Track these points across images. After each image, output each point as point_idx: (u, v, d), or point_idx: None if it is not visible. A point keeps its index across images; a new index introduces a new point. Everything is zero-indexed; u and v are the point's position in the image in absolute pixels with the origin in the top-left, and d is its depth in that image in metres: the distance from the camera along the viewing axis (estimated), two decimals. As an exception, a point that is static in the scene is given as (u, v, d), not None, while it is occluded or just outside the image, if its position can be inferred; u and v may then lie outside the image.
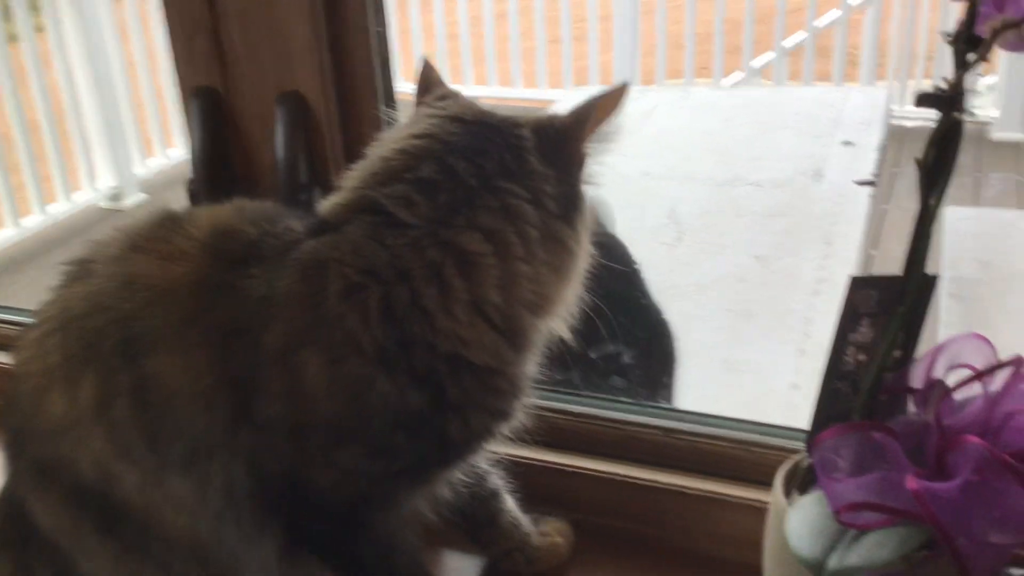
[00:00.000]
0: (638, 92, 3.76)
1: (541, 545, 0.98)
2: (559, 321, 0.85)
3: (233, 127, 1.03)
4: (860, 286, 0.76)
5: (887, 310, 0.77)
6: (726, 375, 1.88)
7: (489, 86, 5.14)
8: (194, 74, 1.02)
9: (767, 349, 1.96)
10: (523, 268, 0.79)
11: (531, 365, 0.84)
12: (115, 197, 4.42)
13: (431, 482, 0.86)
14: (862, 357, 0.79)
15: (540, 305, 0.81)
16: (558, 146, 0.82)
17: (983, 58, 0.64)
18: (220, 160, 1.04)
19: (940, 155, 0.68)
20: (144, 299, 0.77)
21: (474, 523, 0.96)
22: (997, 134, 4.52)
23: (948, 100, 0.65)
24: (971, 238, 3.04)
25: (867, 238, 2.30)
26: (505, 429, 0.85)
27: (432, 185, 0.78)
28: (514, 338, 0.80)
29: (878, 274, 0.76)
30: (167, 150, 4.67)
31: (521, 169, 0.80)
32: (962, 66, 0.65)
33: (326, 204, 0.82)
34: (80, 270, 0.82)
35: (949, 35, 0.69)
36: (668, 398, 1.44)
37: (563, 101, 3.70)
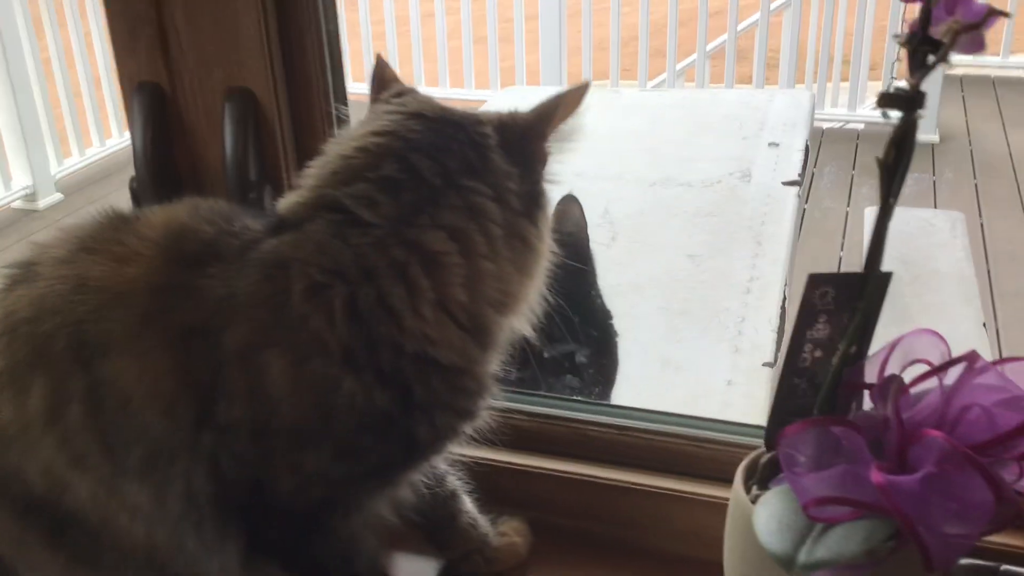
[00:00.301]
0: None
1: (499, 545, 0.97)
2: (522, 319, 0.84)
3: (178, 124, 1.00)
4: (818, 283, 0.78)
5: (843, 307, 0.78)
6: (664, 373, 1.89)
7: (416, 86, 5.10)
8: (137, 68, 0.99)
9: (703, 347, 1.98)
10: (488, 266, 0.78)
11: (495, 364, 0.84)
12: (30, 197, 4.31)
13: (395, 484, 0.85)
14: (819, 354, 0.80)
15: (505, 303, 0.81)
16: (521, 143, 0.81)
17: (943, 60, 0.65)
18: (164, 158, 1.01)
19: (898, 155, 0.69)
20: (97, 302, 0.75)
21: (432, 525, 0.96)
22: (911, 136, 4.65)
23: (909, 101, 0.66)
24: (890, 236, 3.12)
25: (795, 238, 2.34)
26: (469, 429, 0.84)
27: (395, 184, 0.76)
28: (480, 337, 0.80)
29: (835, 271, 0.78)
30: (85, 149, 4.55)
31: (485, 167, 0.79)
32: (920, 68, 0.66)
33: (284, 202, 0.80)
34: (23, 273, 0.79)
35: (900, 37, 0.70)
36: (607, 397, 1.45)
37: (491, 101, 3.71)
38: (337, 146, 0.81)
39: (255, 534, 0.80)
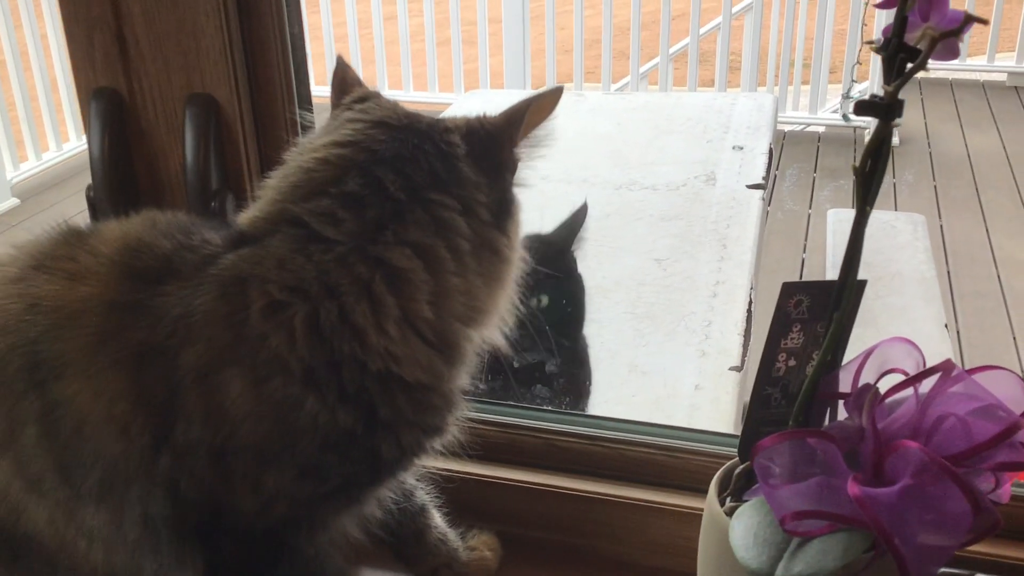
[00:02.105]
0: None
1: (469, 560, 0.96)
2: (493, 330, 0.83)
3: (136, 131, 0.98)
4: (792, 292, 0.77)
5: (817, 316, 0.77)
6: (631, 377, 1.88)
7: (379, 89, 5.07)
8: (94, 74, 0.96)
9: (669, 351, 1.97)
10: (455, 282, 0.76)
11: (464, 378, 0.82)
12: (-15, 202, 4.22)
13: (361, 502, 0.83)
14: (792, 363, 0.79)
15: (473, 317, 0.79)
16: (489, 151, 0.79)
17: (921, 68, 0.64)
18: (122, 166, 0.98)
19: (874, 162, 0.68)
20: (50, 322, 0.72)
21: (401, 540, 0.94)
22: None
23: (886, 109, 0.65)
24: (852, 239, 3.14)
25: (760, 241, 2.35)
26: (438, 444, 0.83)
27: (358, 200, 0.74)
28: (448, 353, 0.78)
29: (809, 280, 0.77)
30: (41, 153, 4.48)
31: (453, 178, 0.77)
32: (898, 75, 0.65)
33: (245, 216, 0.78)
34: None
35: (873, 43, 0.69)
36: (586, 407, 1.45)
37: (455, 105, 3.68)
38: (298, 156, 0.78)
39: (216, 556, 0.78)
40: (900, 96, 0.66)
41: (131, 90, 0.96)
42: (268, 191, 0.78)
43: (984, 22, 0.63)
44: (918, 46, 0.67)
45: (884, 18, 4.36)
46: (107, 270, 0.74)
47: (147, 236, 0.77)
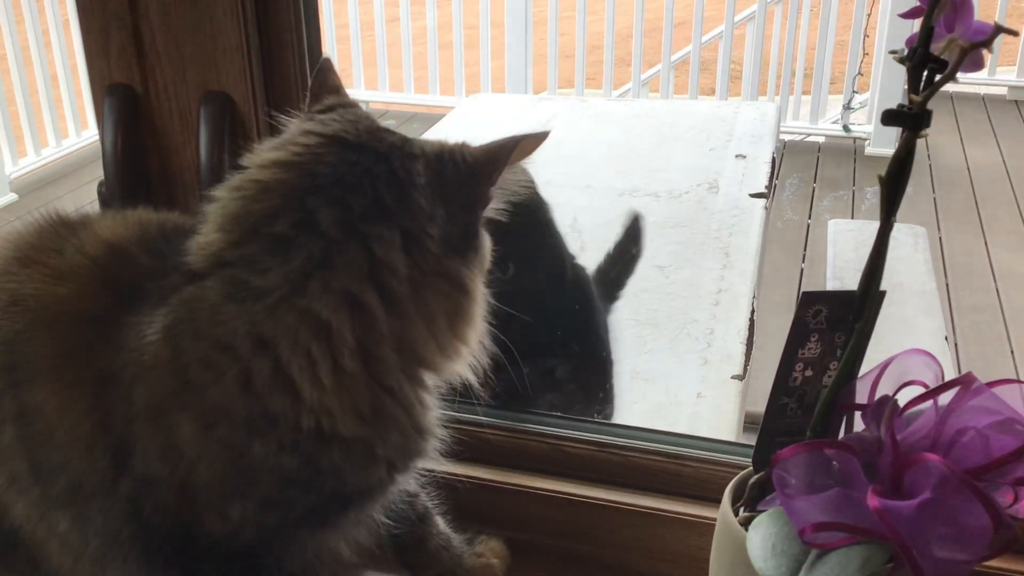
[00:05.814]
0: (536, 100, 3.77)
1: (474, 567, 0.95)
2: (458, 367, 0.78)
3: (150, 128, 0.97)
4: (811, 302, 0.76)
5: (836, 326, 0.77)
6: (634, 384, 1.88)
7: (380, 91, 5.10)
8: (108, 70, 0.96)
9: (672, 358, 1.97)
10: (384, 329, 0.71)
11: (425, 418, 0.79)
12: (-17, 197, 4.21)
13: (338, 526, 0.80)
14: (809, 373, 0.79)
15: (419, 361, 0.75)
16: (461, 185, 0.74)
17: (950, 79, 0.64)
18: (135, 163, 0.97)
19: (900, 172, 0.68)
20: (27, 322, 0.73)
21: (402, 547, 0.93)
22: (871, 149, 4.72)
23: (914, 119, 0.65)
24: (852, 249, 3.15)
25: (763, 249, 2.35)
26: (409, 475, 0.81)
27: (286, 245, 0.69)
28: (390, 402, 0.75)
29: (829, 290, 0.76)
30: (41, 149, 4.47)
31: (400, 208, 0.71)
32: (927, 85, 0.65)
33: (195, 244, 0.73)
34: None
35: (896, 52, 0.69)
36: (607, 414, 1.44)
37: (458, 108, 3.68)
38: (247, 171, 0.74)
39: (190, 573, 0.77)
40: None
41: (146, 86, 0.96)
42: (214, 215, 0.73)
43: (1015, 33, 0.63)
44: (943, 56, 0.66)
45: (887, 30, 4.37)
46: (88, 272, 0.74)
47: (132, 246, 0.76)
